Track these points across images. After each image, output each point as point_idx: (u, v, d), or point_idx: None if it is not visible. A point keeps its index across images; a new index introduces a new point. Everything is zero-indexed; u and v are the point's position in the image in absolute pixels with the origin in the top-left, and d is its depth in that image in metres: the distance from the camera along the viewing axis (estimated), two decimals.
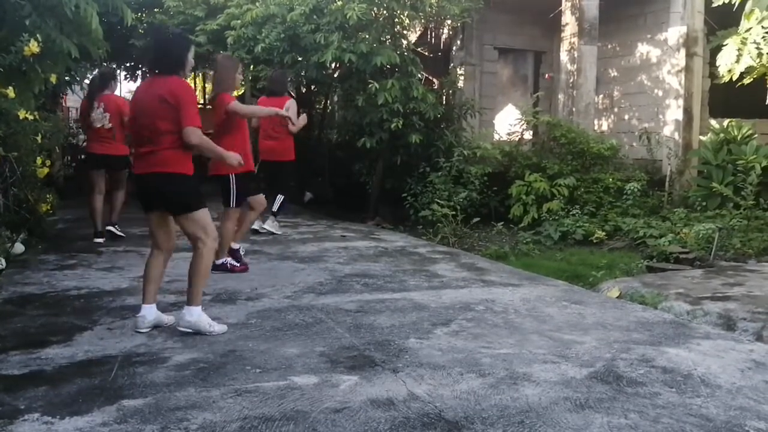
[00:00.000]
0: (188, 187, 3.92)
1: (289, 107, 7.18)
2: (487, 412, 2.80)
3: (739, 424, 2.74)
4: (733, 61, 7.51)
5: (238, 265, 5.60)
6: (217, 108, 5.43)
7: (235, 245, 5.70)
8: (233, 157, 4.17)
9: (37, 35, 4.82)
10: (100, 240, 7.02)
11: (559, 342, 3.80)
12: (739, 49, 7.49)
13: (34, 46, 4.82)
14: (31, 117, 5.80)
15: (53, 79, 5.74)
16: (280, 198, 7.54)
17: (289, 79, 7.96)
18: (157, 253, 3.98)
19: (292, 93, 7.84)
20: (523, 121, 9.96)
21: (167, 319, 4.02)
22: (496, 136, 10.84)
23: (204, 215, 3.90)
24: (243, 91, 10.53)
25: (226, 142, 5.03)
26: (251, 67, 9.56)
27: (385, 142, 9.02)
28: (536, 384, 3.13)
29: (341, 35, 8.55)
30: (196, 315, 3.82)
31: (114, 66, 14.48)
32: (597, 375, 3.27)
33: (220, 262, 5.38)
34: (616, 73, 11.83)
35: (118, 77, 7.48)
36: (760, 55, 7.39)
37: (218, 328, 3.88)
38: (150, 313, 3.91)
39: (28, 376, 3.18)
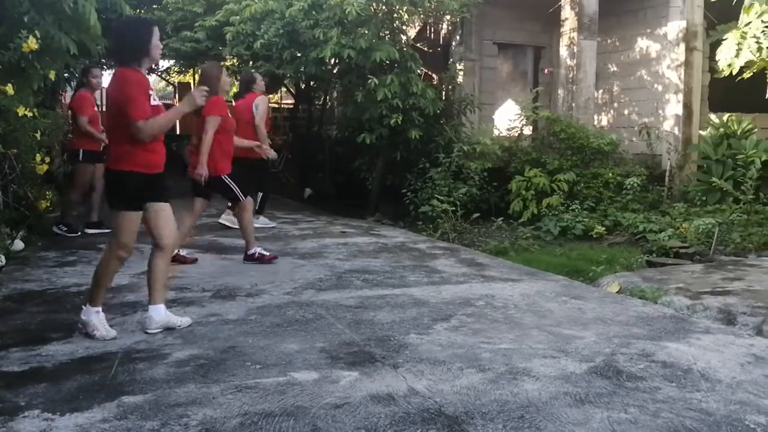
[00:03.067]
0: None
1: (258, 104, 7.28)
2: (487, 407, 2.80)
3: (739, 418, 2.74)
4: (732, 55, 7.52)
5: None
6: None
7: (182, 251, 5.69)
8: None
9: (36, 32, 4.81)
10: None
11: (558, 337, 3.80)
12: (738, 44, 7.49)
13: (32, 43, 4.81)
14: (30, 114, 5.78)
15: (52, 75, 5.74)
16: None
17: (254, 78, 7.71)
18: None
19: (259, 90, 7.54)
20: (522, 117, 9.95)
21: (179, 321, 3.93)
22: (496, 132, 10.83)
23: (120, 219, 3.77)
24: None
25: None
26: (251, 63, 9.54)
27: (385, 138, 9.01)
28: (536, 379, 3.13)
29: (340, 31, 8.54)
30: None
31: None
32: (597, 370, 3.27)
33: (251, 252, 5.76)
34: (615, 68, 11.82)
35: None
36: (759, 49, 7.38)
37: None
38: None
39: (28, 372, 3.18)
